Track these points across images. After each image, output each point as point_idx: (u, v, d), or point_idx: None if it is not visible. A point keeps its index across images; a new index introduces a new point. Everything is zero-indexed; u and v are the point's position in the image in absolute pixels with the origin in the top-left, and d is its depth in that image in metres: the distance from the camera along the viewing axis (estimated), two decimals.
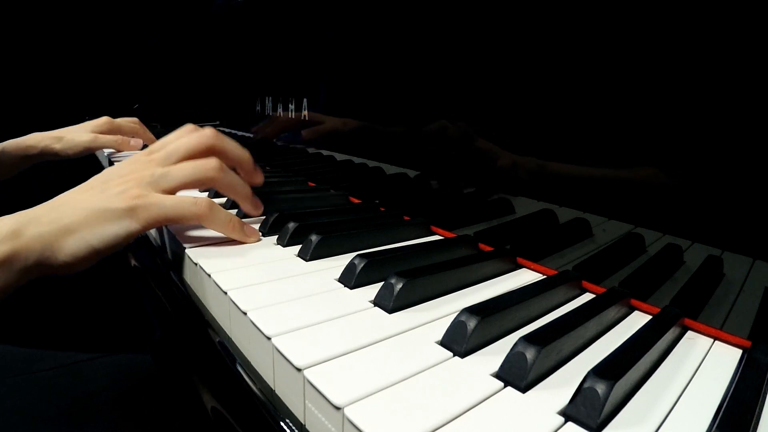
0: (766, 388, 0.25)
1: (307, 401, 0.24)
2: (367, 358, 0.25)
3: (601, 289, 0.37)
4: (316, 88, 0.71)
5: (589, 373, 0.22)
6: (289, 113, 0.77)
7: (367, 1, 0.60)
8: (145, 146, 1.04)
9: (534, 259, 0.42)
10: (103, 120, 0.91)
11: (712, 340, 0.31)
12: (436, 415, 0.21)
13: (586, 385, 0.22)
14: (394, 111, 0.57)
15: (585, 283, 0.38)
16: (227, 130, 1.08)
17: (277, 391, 0.27)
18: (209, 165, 0.43)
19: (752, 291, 0.30)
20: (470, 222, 0.48)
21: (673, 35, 0.32)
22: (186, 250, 0.41)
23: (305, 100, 0.72)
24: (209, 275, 0.36)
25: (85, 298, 1.16)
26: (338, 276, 0.36)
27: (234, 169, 0.47)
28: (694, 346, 0.30)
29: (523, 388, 0.24)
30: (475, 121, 0.46)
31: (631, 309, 0.35)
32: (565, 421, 0.22)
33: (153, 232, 0.55)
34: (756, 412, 0.23)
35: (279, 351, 0.26)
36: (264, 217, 0.49)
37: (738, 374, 0.27)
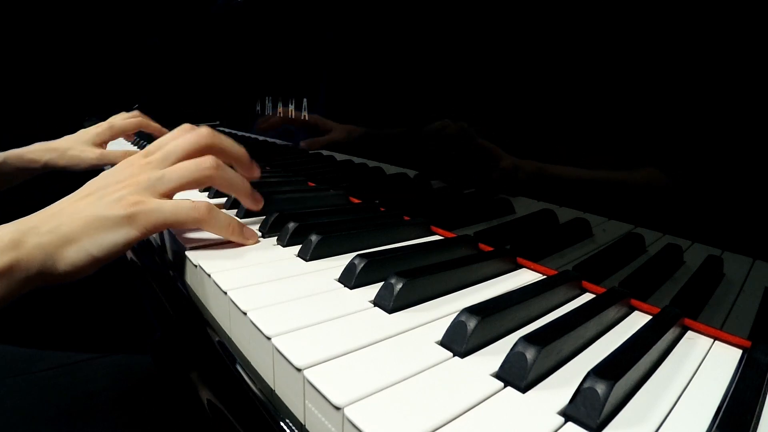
0: (766, 388, 0.25)
1: (307, 401, 0.24)
2: (367, 358, 0.25)
3: (601, 289, 0.37)
4: (316, 89, 0.71)
5: (589, 373, 0.22)
6: (290, 113, 0.77)
7: (367, 1, 0.60)
8: (147, 143, 1.03)
9: (534, 259, 0.42)
10: (105, 127, 0.89)
11: (712, 340, 0.31)
12: (436, 415, 0.21)
13: (586, 385, 0.22)
14: (393, 111, 0.57)
15: (585, 283, 0.38)
16: (227, 130, 1.08)
17: (277, 391, 0.27)
18: (206, 163, 0.42)
19: (752, 291, 0.30)
20: (470, 222, 0.48)
21: (671, 36, 0.32)
22: (186, 251, 0.41)
23: (305, 100, 0.72)
24: (209, 275, 0.36)
25: (85, 298, 1.16)
26: (338, 276, 0.36)
27: (231, 166, 0.47)
28: (694, 346, 0.30)
29: (523, 388, 0.24)
30: (476, 120, 0.46)
31: (631, 309, 0.35)
32: (565, 421, 0.22)
33: None
34: (756, 412, 0.23)
35: (279, 351, 0.26)
36: (264, 218, 0.49)
37: (738, 374, 0.27)
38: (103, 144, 0.88)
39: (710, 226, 0.31)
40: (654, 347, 0.27)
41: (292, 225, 0.44)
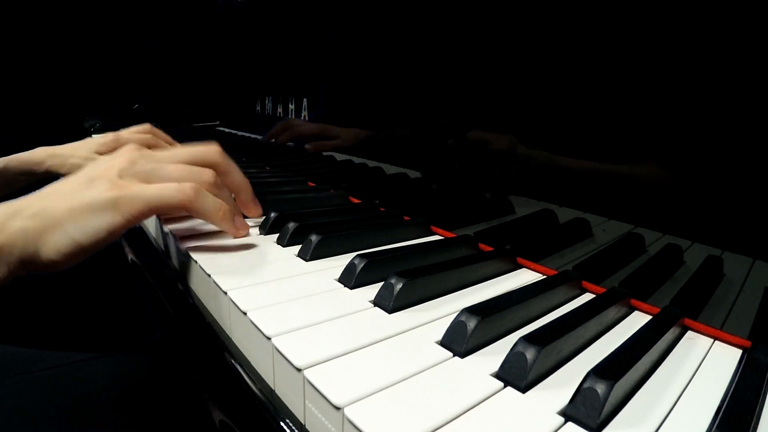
0: (766, 388, 0.25)
1: (307, 401, 0.24)
2: (367, 358, 0.25)
3: (601, 289, 0.37)
4: (316, 89, 0.71)
5: (589, 373, 0.23)
6: (290, 114, 0.77)
7: (367, 2, 0.60)
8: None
9: (534, 259, 0.42)
10: (110, 138, 0.88)
11: (712, 340, 0.31)
12: (436, 415, 0.21)
13: (586, 385, 0.22)
14: (393, 110, 0.57)
15: (585, 283, 0.38)
16: (227, 130, 1.08)
17: (277, 392, 0.27)
18: (205, 175, 0.41)
19: (752, 291, 0.30)
20: (470, 222, 0.48)
21: (670, 36, 0.32)
22: (187, 251, 0.41)
23: (305, 100, 0.72)
24: (209, 275, 0.36)
25: (85, 298, 1.16)
26: (338, 276, 0.36)
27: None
28: (694, 346, 0.30)
29: (523, 388, 0.24)
30: (476, 120, 0.46)
31: (631, 309, 0.35)
32: (565, 421, 0.22)
33: (153, 232, 0.55)
34: (756, 412, 0.23)
35: (279, 351, 0.26)
36: (264, 218, 0.49)
37: (738, 374, 0.27)
38: (107, 154, 0.87)
39: (710, 226, 0.31)
40: (654, 347, 0.27)
41: (292, 225, 0.44)
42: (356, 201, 0.63)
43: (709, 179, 0.31)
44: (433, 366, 0.25)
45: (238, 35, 0.99)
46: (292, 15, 0.77)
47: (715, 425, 0.22)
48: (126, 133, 0.91)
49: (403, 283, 0.32)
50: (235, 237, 0.43)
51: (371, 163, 0.61)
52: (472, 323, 0.27)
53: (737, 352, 0.30)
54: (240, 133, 1.01)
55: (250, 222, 0.50)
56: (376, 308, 0.32)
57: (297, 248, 0.42)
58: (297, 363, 0.24)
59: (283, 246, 0.44)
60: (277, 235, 0.46)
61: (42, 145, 0.85)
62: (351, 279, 0.35)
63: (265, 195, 0.51)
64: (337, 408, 0.21)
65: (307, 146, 0.74)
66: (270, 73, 0.85)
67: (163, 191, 0.37)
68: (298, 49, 0.76)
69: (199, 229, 0.46)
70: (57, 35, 1.56)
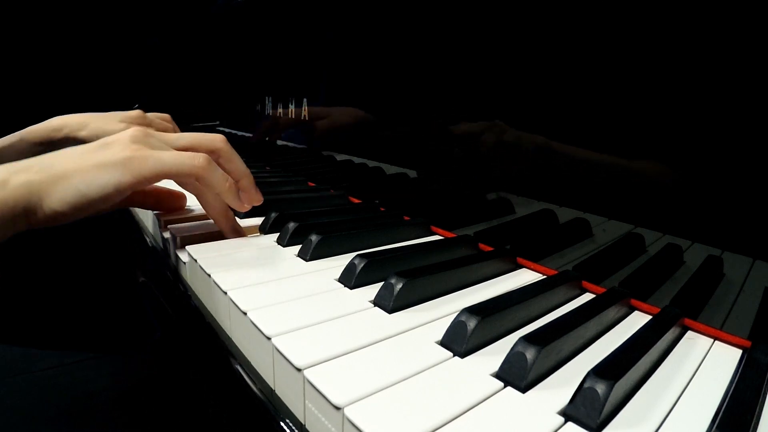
0: (766, 388, 0.25)
1: (307, 401, 0.24)
2: (367, 358, 0.25)
3: (601, 289, 0.37)
4: (316, 89, 0.71)
5: (589, 373, 0.23)
6: (290, 113, 0.77)
7: (367, 1, 0.60)
8: None
9: (534, 259, 0.42)
10: (136, 113, 0.86)
11: (712, 340, 0.31)
12: (436, 415, 0.21)
13: (586, 385, 0.22)
14: (393, 110, 0.57)
15: (585, 283, 0.38)
16: (227, 130, 1.08)
17: (277, 391, 0.27)
18: (198, 158, 0.41)
19: (752, 291, 0.30)
20: (470, 222, 0.48)
21: (669, 37, 0.32)
22: (187, 250, 0.41)
23: (305, 100, 0.72)
24: (209, 275, 0.36)
25: (85, 298, 1.16)
26: (338, 276, 0.36)
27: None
28: (694, 346, 0.30)
29: (523, 388, 0.24)
30: (477, 120, 0.46)
31: (631, 309, 0.35)
32: (565, 421, 0.22)
33: (152, 232, 0.55)
34: (756, 412, 0.23)
35: (279, 351, 0.26)
36: (264, 217, 0.49)
37: (738, 374, 0.27)
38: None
39: (710, 226, 0.31)
40: (654, 347, 0.27)
41: (292, 225, 0.44)
42: (356, 201, 0.63)
43: (709, 179, 0.31)
44: (433, 366, 0.25)
45: (238, 35, 0.99)
46: (292, 15, 0.77)
47: (715, 425, 0.22)
48: (151, 114, 0.90)
49: (403, 283, 0.32)
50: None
51: (371, 163, 0.61)
52: (472, 323, 0.27)
53: (737, 352, 0.30)
54: (240, 133, 1.01)
55: (250, 222, 0.50)
56: (376, 308, 0.32)
57: (297, 248, 0.42)
58: (297, 363, 0.24)
59: (283, 246, 0.44)
60: (277, 235, 0.46)
61: None
62: (351, 279, 0.35)
63: (265, 195, 0.51)
64: (337, 408, 0.21)
65: (307, 140, 0.73)
66: (270, 73, 0.85)
67: (177, 157, 0.38)
68: (298, 49, 0.76)
69: (199, 229, 0.46)
70: (57, 35, 1.56)
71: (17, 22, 1.49)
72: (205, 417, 0.34)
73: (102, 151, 0.37)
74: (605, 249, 0.37)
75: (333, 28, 0.67)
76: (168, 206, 0.52)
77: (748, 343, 0.30)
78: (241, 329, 0.31)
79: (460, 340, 0.27)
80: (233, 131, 1.05)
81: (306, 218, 0.47)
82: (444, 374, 0.25)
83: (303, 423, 0.25)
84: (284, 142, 0.83)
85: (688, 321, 0.32)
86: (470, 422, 0.21)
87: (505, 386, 0.24)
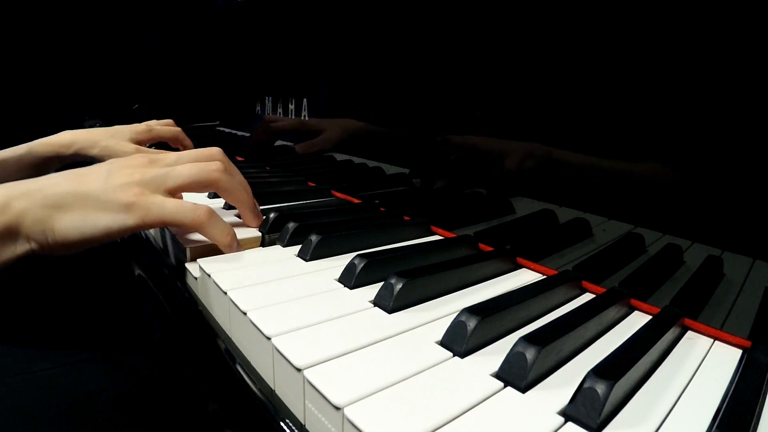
0: (766, 388, 0.25)
1: (307, 401, 0.24)
2: (367, 358, 0.25)
3: (601, 289, 0.37)
4: (316, 89, 0.71)
5: (589, 373, 0.22)
6: (289, 114, 0.77)
7: (367, 2, 0.59)
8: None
9: (534, 259, 0.42)
10: (143, 127, 0.84)
11: (712, 340, 0.31)
12: (436, 415, 0.21)
13: (586, 385, 0.22)
14: (393, 110, 0.57)
15: (585, 283, 0.38)
16: (227, 130, 1.08)
17: (277, 391, 0.27)
18: (213, 165, 0.42)
19: (752, 291, 0.30)
20: (470, 222, 0.48)
21: (669, 37, 0.32)
22: (187, 251, 0.41)
23: (305, 100, 0.72)
24: (209, 275, 0.36)
25: (85, 298, 1.16)
26: (338, 276, 0.36)
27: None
28: (694, 346, 0.30)
29: (523, 388, 0.24)
30: (478, 120, 0.46)
31: (631, 309, 0.35)
32: (565, 421, 0.22)
33: (153, 232, 0.55)
34: (756, 412, 0.23)
35: (279, 351, 0.26)
36: (264, 218, 0.49)
37: (738, 374, 0.27)
38: (140, 143, 0.86)
39: (710, 226, 0.31)
40: (654, 347, 0.27)
41: (292, 225, 0.44)
42: (356, 201, 0.63)
43: (709, 179, 0.31)
44: (433, 366, 0.25)
45: (238, 35, 0.99)
46: (292, 15, 0.77)
47: (715, 425, 0.22)
48: (155, 123, 0.90)
49: (403, 283, 0.32)
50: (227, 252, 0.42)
51: (371, 163, 0.61)
52: (472, 323, 0.27)
53: (737, 352, 0.30)
54: (240, 133, 1.01)
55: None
56: (376, 308, 0.32)
57: (297, 248, 0.42)
58: (297, 363, 0.24)
59: (283, 246, 0.44)
60: (277, 235, 0.46)
61: None
62: (351, 279, 0.35)
63: (265, 195, 0.51)
64: (337, 408, 0.21)
65: (297, 148, 0.74)
66: (270, 73, 0.85)
67: (181, 209, 0.39)
68: (297, 49, 0.76)
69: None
70: (57, 36, 1.56)
71: (18, 22, 1.49)
72: (205, 417, 0.33)
73: (109, 186, 0.37)
74: (605, 249, 0.37)
75: (333, 28, 0.67)
76: None
77: (748, 343, 0.30)
78: (241, 329, 0.31)
79: (460, 340, 0.27)
80: (233, 131, 1.05)
81: (306, 218, 0.47)
82: (444, 374, 0.25)
83: (303, 423, 0.25)
84: (284, 142, 0.83)
85: (688, 321, 0.32)
86: (470, 422, 0.21)
87: (505, 386, 0.24)
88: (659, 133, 0.33)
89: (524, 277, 0.41)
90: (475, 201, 0.48)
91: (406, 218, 0.53)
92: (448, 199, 0.51)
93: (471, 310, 0.28)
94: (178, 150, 0.95)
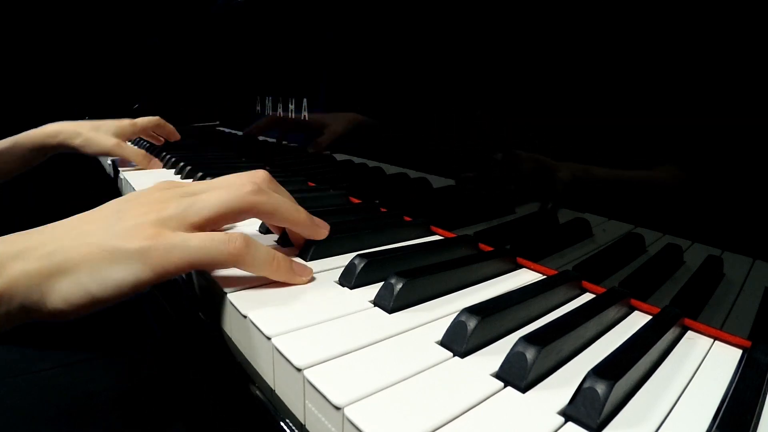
0: (766, 388, 0.25)
1: (307, 401, 0.24)
2: (367, 358, 0.25)
3: (601, 289, 0.37)
4: (317, 89, 0.71)
5: (589, 373, 0.23)
6: (289, 113, 0.77)
7: (367, 1, 0.59)
8: (168, 143, 1.01)
9: (534, 259, 0.42)
10: (127, 122, 0.86)
11: (712, 340, 0.31)
12: (436, 415, 0.21)
13: (586, 385, 0.22)
14: (394, 110, 0.57)
15: (585, 283, 0.38)
16: (227, 130, 1.08)
17: (277, 391, 0.27)
18: (246, 187, 0.34)
19: (752, 291, 0.30)
20: (470, 222, 0.48)
21: (669, 37, 0.32)
22: None
23: (305, 100, 0.72)
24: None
25: None
26: (338, 276, 0.36)
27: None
28: (694, 346, 0.30)
29: (523, 388, 0.24)
30: (478, 119, 0.46)
31: (631, 309, 0.35)
32: (565, 421, 0.22)
33: None
34: (756, 412, 0.23)
35: (279, 351, 0.26)
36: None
37: (738, 374, 0.27)
38: (125, 138, 0.85)
39: (710, 226, 0.31)
40: (654, 347, 0.27)
41: None
42: (356, 201, 0.63)
43: (709, 179, 0.31)
44: (433, 366, 0.25)
45: (238, 35, 0.99)
46: (292, 15, 0.77)
47: (715, 425, 0.22)
48: (141, 120, 0.92)
49: (403, 283, 0.32)
50: (296, 284, 0.35)
51: (371, 163, 0.61)
52: (472, 323, 0.27)
53: (737, 352, 0.30)
54: (240, 133, 1.01)
55: (249, 224, 0.50)
56: (376, 308, 0.32)
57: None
58: (297, 363, 0.24)
59: (283, 246, 0.44)
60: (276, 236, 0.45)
61: None
62: (351, 279, 0.35)
63: None
64: (337, 408, 0.21)
65: (309, 149, 0.74)
66: (270, 73, 0.85)
67: (209, 244, 0.31)
68: (298, 49, 0.76)
69: None
70: (57, 35, 1.56)
71: (18, 22, 1.49)
72: (206, 417, 0.33)
73: (117, 231, 0.30)
74: (605, 249, 0.37)
75: (333, 28, 0.67)
76: None
77: (748, 343, 0.30)
78: (241, 329, 0.31)
79: (460, 340, 0.27)
80: (233, 131, 1.05)
81: None
82: (444, 374, 0.25)
83: (303, 423, 0.25)
84: (284, 142, 0.83)
85: (688, 321, 0.32)
86: (470, 422, 0.21)
87: (505, 386, 0.24)
88: (659, 133, 0.33)
89: (524, 277, 0.41)
90: (475, 201, 0.48)
91: (407, 218, 0.53)
92: (448, 199, 0.51)
93: (471, 310, 0.28)
94: (169, 150, 0.96)
